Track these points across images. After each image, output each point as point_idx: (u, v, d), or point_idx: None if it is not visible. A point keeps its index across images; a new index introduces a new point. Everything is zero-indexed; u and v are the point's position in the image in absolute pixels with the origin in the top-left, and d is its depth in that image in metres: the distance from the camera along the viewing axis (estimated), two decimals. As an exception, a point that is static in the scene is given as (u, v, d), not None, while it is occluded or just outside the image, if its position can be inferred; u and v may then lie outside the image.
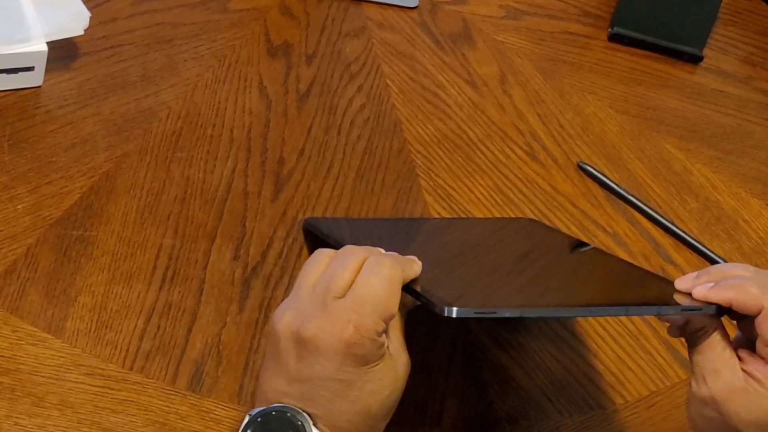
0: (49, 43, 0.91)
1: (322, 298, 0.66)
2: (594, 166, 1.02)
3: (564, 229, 0.96)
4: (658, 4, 1.16)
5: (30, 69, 0.91)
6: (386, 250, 0.71)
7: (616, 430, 0.84)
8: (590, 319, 0.89)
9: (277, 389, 0.67)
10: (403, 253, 0.71)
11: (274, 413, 0.66)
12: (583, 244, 0.86)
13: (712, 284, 0.68)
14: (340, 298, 0.65)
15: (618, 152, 1.05)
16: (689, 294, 0.68)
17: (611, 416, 0.84)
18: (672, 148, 1.07)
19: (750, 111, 1.14)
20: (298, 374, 0.66)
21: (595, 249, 0.83)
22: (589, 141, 1.05)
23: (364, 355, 0.65)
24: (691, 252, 0.98)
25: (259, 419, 0.66)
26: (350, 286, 0.66)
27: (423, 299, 0.66)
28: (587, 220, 0.98)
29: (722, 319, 0.68)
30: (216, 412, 0.77)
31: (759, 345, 0.66)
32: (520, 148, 1.02)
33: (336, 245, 0.75)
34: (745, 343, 0.68)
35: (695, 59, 1.17)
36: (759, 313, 0.65)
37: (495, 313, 0.64)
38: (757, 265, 0.98)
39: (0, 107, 0.90)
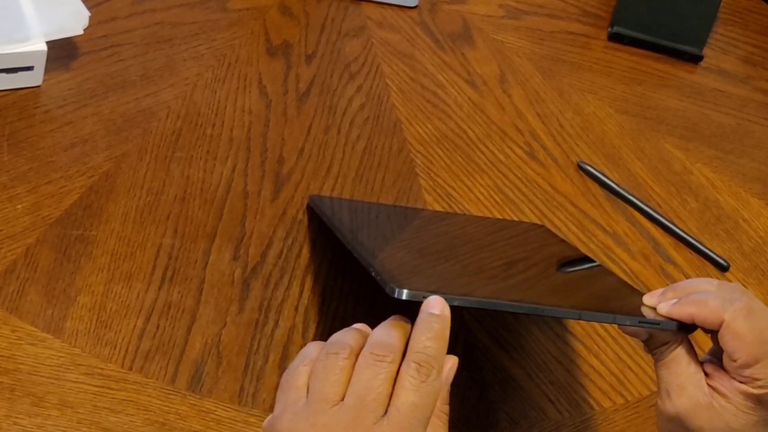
0: (48, 43, 0.91)
1: (357, 417, 0.58)
2: (594, 166, 1.02)
3: (563, 229, 0.96)
4: (658, 3, 1.15)
5: (29, 69, 0.91)
6: (382, 234, 0.70)
7: (617, 431, 0.84)
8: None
9: None
10: (395, 237, 0.70)
11: None
12: (588, 259, 0.84)
13: (675, 300, 0.67)
14: (383, 415, 0.59)
15: (618, 152, 1.05)
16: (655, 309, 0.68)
17: (612, 416, 0.84)
18: (672, 148, 1.07)
19: (750, 110, 1.14)
20: None
21: (600, 266, 0.81)
22: (588, 140, 1.05)
23: None
24: (691, 251, 0.98)
25: None
26: (389, 400, 0.59)
27: (378, 279, 0.66)
28: (587, 220, 0.98)
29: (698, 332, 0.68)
30: (216, 413, 0.77)
31: (724, 359, 0.65)
32: (520, 147, 1.02)
33: (336, 229, 0.77)
34: (719, 356, 0.67)
35: (695, 59, 1.17)
36: (720, 326, 0.65)
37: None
38: (756, 265, 0.98)
39: (-1, 107, 0.90)
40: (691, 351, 0.67)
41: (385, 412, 0.59)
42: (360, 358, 0.60)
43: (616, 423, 0.84)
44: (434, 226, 0.89)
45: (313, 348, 0.63)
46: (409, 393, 0.59)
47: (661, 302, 0.67)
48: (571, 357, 0.87)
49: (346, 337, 0.62)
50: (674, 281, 0.95)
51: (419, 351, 0.60)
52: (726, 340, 0.65)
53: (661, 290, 0.69)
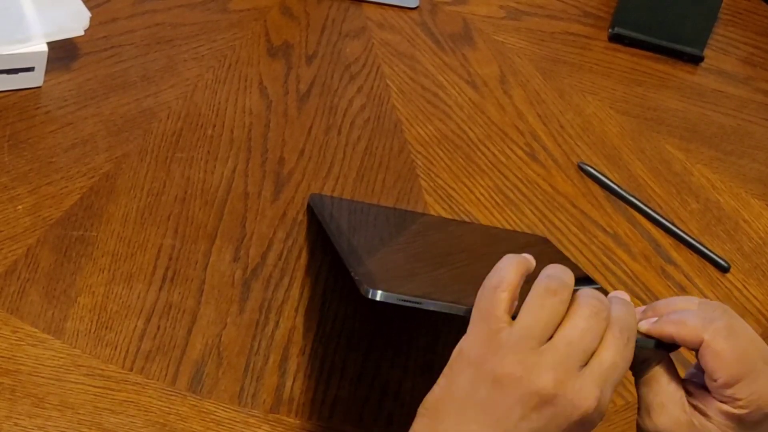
0: (49, 44, 0.91)
1: (566, 360, 0.61)
2: (594, 167, 1.02)
3: (564, 230, 0.96)
4: (659, 4, 1.15)
5: (30, 69, 0.91)
6: (378, 237, 0.69)
7: (617, 431, 0.84)
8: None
9: None
10: (391, 240, 0.70)
11: None
12: (588, 280, 0.83)
13: (655, 319, 0.67)
14: (584, 365, 0.62)
15: (618, 153, 1.05)
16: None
17: (611, 417, 0.84)
18: (672, 149, 1.07)
19: (750, 111, 1.14)
20: (514, 430, 0.61)
21: (598, 287, 0.80)
22: (589, 141, 1.05)
23: (588, 429, 0.63)
24: (692, 252, 0.98)
25: None
26: (594, 353, 0.62)
27: (356, 279, 0.67)
28: (587, 221, 0.98)
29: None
30: (216, 413, 0.77)
31: (705, 378, 0.65)
32: (521, 148, 1.02)
33: (329, 229, 0.79)
34: (702, 374, 0.66)
35: (695, 59, 1.17)
36: (699, 346, 0.64)
37: (420, 304, 0.64)
38: (757, 266, 0.98)
39: (0, 108, 0.90)
40: (672, 369, 0.67)
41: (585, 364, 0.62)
42: (580, 307, 0.63)
43: (616, 424, 0.84)
44: (433, 231, 0.89)
45: (512, 272, 0.64)
46: (611, 351, 0.62)
47: (642, 320, 0.67)
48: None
49: (565, 275, 0.65)
50: (675, 282, 0.95)
51: (621, 319, 0.64)
52: (706, 360, 0.64)
53: (642, 308, 0.69)
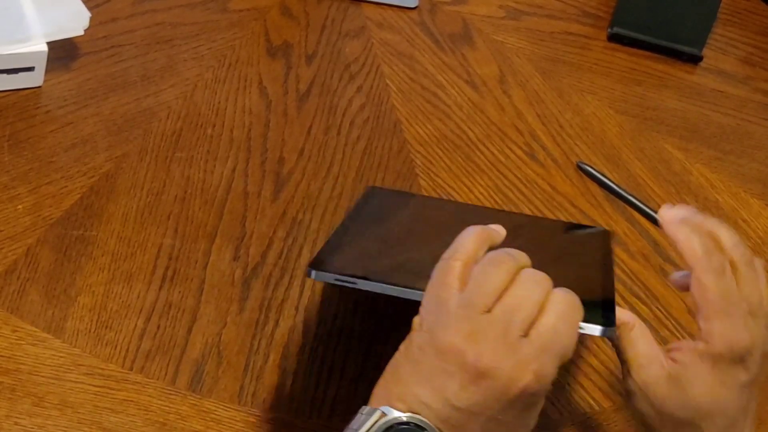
0: (49, 43, 0.91)
1: (505, 331, 0.60)
2: (593, 166, 1.02)
3: (564, 229, 0.96)
4: (658, 4, 1.16)
5: (30, 69, 0.91)
6: (401, 227, 0.69)
7: (617, 430, 0.84)
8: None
9: (422, 400, 0.61)
10: (413, 231, 0.69)
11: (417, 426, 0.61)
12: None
13: (681, 219, 0.67)
14: (524, 336, 0.60)
15: (617, 152, 1.05)
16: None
17: (611, 416, 0.84)
18: (671, 148, 1.07)
19: (749, 111, 1.14)
20: (454, 400, 0.60)
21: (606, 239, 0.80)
22: (588, 141, 1.05)
23: (533, 403, 0.61)
24: (691, 252, 0.98)
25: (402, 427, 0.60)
26: (534, 322, 0.60)
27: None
28: (586, 220, 0.98)
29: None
30: (216, 413, 0.77)
31: (694, 305, 0.66)
32: (520, 148, 1.02)
33: (344, 220, 0.78)
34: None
35: (695, 59, 1.17)
36: (691, 270, 0.65)
37: (355, 284, 0.65)
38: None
39: (0, 107, 0.91)
40: (646, 331, 0.67)
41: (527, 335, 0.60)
42: (520, 277, 0.62)
43: (616, 423, 0.84)
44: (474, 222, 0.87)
45: (469, 242, 0.64)
46: (550, 316, 0.60)
47: (672, 212, 0.67)
48: (571, 357, 0.87)
49: (518, 254, 0.63)
50: (674, 281, 0.95)
51: (564, 290, 0.62)
52: (694, 287, 0.65)
53: (686, 207, 0.68)
